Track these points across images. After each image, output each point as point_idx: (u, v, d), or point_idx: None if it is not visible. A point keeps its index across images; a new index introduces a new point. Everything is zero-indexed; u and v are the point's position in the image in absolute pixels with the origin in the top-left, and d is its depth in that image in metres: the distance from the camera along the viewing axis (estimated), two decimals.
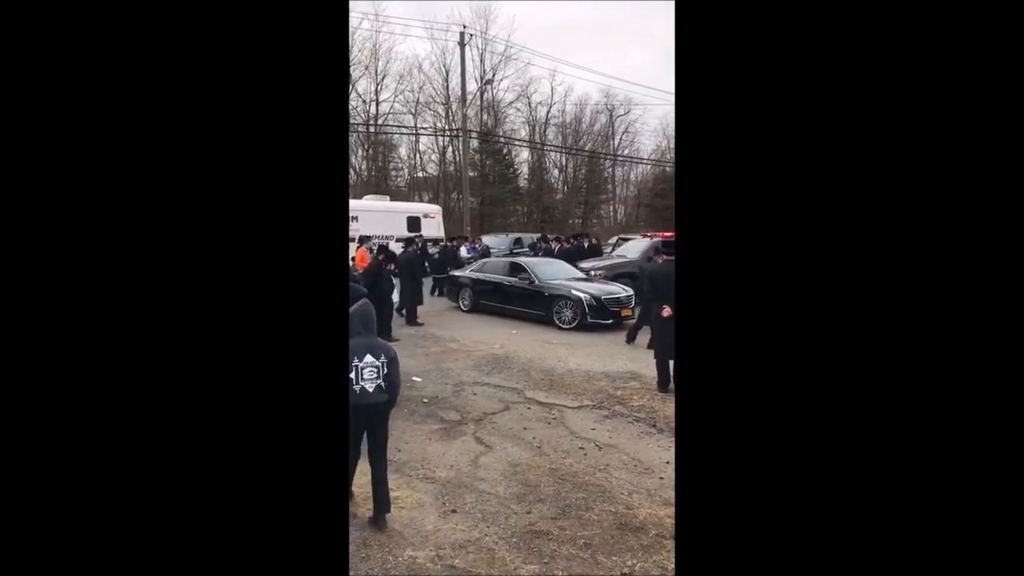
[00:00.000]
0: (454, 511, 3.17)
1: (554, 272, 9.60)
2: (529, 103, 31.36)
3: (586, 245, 14.56)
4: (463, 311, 10.11)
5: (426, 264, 10.55)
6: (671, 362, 5.56)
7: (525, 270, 9.46)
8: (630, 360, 6.76)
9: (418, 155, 30.09)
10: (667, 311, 5.45)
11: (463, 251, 13.52)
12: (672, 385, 5.57)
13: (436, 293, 11.44)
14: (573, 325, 8.47)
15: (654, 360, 5.70)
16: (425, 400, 5.21)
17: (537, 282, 9.16)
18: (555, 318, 8.68)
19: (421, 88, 29.23)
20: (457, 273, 10.77)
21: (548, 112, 32.00)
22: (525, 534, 2.93)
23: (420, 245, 9.90)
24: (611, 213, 36.38)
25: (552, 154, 32.69)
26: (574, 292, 8.64)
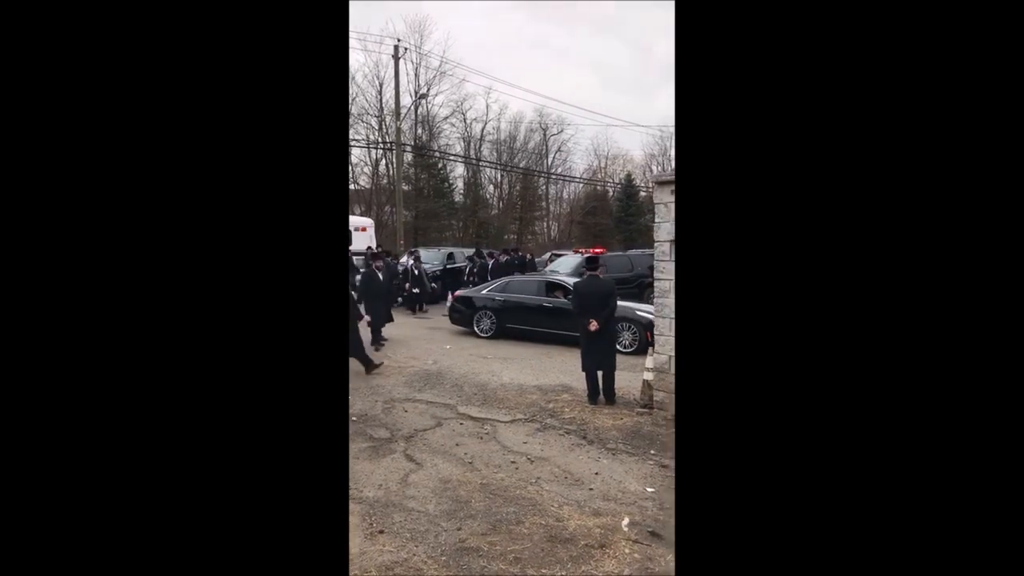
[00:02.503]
0: (381, 531, 3.07)
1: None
2: (464, 119, 31.58)
3: (504, 259, 14.37)
4: (481, 337, 9.08)
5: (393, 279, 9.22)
6: (600, 373, 5.70)
7: (570, 291, 8.32)
8: (562, 373, 6.86)
9: (350, 167, 29.45)
10: (594, 325, 5.59)
11: (405, 263, 12.56)
12: (602, 397, 5.71)
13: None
14: (633, 348, 7.89)
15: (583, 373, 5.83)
16: (353, 418, 5.04)
17: None
18: None
19: (354, 100, 28.74)
20: (468, 294, 9.71)
21: (483, 129, 32.36)
22: (455, 551, 2.88)
23: (387, 259, 8.87)
24: (545, 229, 37.04)
25: (487, 170, 33.00)
26: (639, 314, 8.09)
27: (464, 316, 9.53)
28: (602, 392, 5.75)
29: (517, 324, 8.95)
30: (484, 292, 9.63)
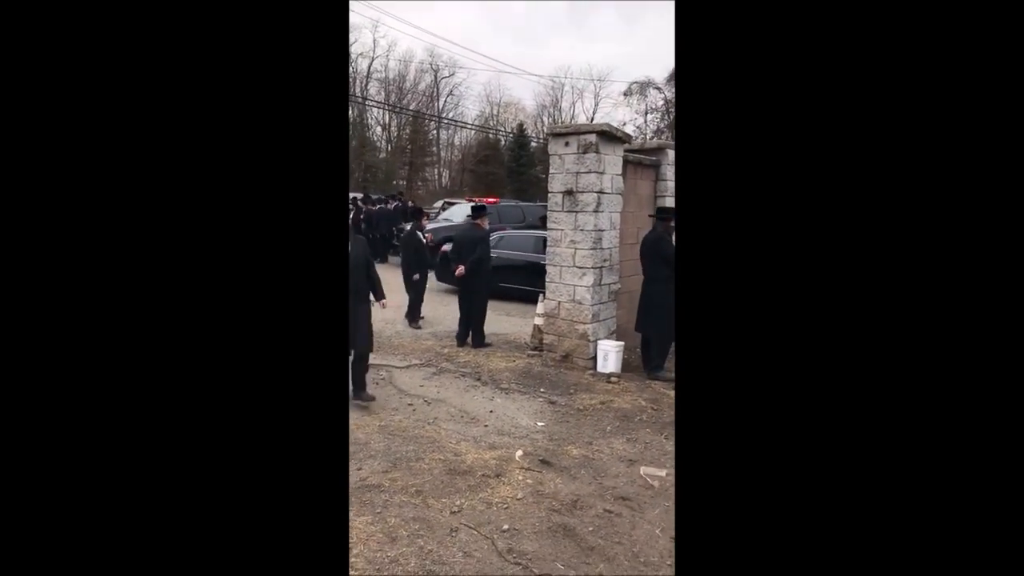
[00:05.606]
0: None
1: None
2: (349, 53, 29.41)
3: (405, 206, 14.08)
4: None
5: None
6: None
7: None
8: (456, 321, 7.00)
9: None
10: (460, 270, 5.95)
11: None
12: (470, 338, 6.02)
13: None
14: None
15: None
16: None
17: None
18: None
19: None
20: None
21: (370, 65, 30.49)
22: (356, 489, 2.96)
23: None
24: (436, 176, 36.27)
25: (375, 110, 31.33)
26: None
27: (450, 273, 9.07)
28: (470, 335, 6.03)
29: (508, 283, 8.15)
30: None
